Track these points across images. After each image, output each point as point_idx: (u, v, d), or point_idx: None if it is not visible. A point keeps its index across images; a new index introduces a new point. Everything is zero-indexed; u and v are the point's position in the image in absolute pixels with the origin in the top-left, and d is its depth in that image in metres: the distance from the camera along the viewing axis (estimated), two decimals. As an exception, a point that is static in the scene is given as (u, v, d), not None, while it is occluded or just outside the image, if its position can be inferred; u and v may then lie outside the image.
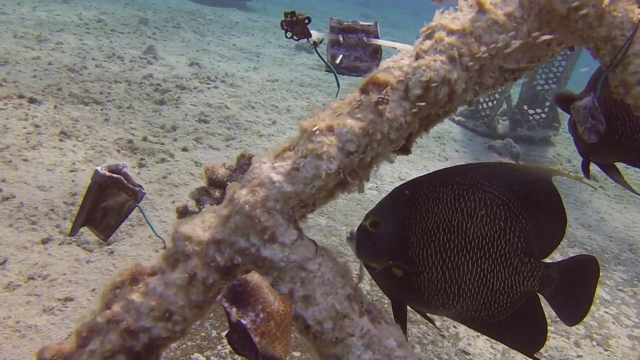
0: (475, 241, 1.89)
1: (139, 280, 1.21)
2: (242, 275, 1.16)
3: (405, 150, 2.34)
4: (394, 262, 1.97)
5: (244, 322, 0.96)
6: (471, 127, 10.09)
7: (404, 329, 2.21)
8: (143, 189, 1.43)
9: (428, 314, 2.32)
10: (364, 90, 1.27)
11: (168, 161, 6.27)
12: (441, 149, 8.98)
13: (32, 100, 6.86)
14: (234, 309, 0.97)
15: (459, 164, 6.80)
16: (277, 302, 1.02)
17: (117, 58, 9.40)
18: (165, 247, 1.34)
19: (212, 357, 3.67)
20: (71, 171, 5.59)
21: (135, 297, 1.18)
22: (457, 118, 10.38)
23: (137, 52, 9.93)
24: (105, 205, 1.35)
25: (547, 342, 2.07)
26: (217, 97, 8.57)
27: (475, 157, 8.97)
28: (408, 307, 2.02)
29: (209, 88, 8.97)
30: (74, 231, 1.40)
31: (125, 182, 1.38)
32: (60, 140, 6.15)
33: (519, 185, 1.87)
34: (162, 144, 6.65)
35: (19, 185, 5.10)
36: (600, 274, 2.01)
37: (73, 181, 5.38)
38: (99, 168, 1.34)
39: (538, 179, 1.91)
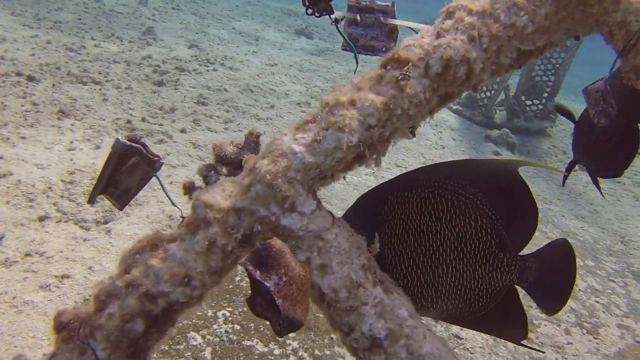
0: (446, 243, 1.85)
1: (158, 246, 1.24)
2: (261, 243, 1.18)
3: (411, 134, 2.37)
4: None
5: (267, 284, 0.98)
6: (468, 116, 10.13)
7: None
8: (161, 159, 1.45)
9: None
10: (386, 67, 1.29)
11: (166, 142, 6.28)
12: (438, 137, 9.01)
13: (30, 78, 6.84)
14: (258, 272, 1.00)
15: (455, 152, 6.84)
16: (298, 267, 1.05)
17: (116, 38, 9.36)
18: (182, 217, 1.36)
19: (208, 336, 3.70)
20: (69, 150, 5.59)
21: (155, 262, 1.20)
22: (454, 107, 10.41)
23: (136, 33, 9.89)
24: (123, 174, 1.38)
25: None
26: (216, 79, 8.56)
27: (472, 146, 9.01)
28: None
29: (208, 70, 8.95)
30: (92, 199, 1.42)
31: (145, 151, 1.40)
32: (59, 119, 6.14)
33: (484, 181, 1.83)
34: (161, 124, 6.65)
35: (17, 163, 5.10)
36: (576, 255, 2.00)
37: (71, 160, 5.38)
38: (119, 137, 1.36)
39: (504, 172, 1.88)
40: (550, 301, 2.01)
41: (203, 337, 3.69)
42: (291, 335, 3.89)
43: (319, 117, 1.29)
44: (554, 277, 1.97)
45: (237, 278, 4.25)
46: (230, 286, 4.16)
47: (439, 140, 8.90)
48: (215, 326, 3.80)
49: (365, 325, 1.23)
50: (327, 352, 3.82)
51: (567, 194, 8.21)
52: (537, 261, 1.93)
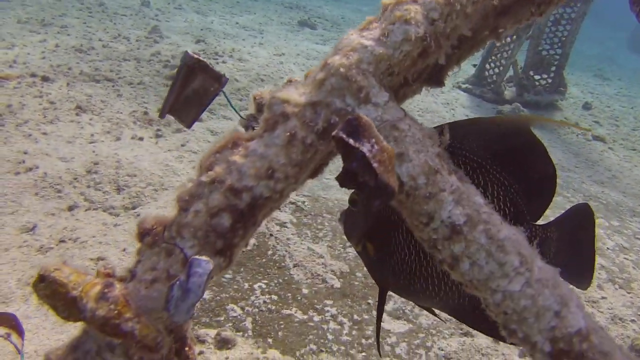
0: None
1: (238, 144, 1.26)
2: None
3: (438, 82, 2.39)
4: (363, 238, 1.86)
5: (363, 149, 1.01)
6: (478, 94, 10.13)
7: (379, 320, 2.04)
8: (226, 75, 1.48)
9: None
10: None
11: (185, 131, 6.31)
12: (450, 114, 9.03)
13: (44, 79, 6.89)
14: (351, 140, 1.02)
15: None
16: (385, 143, 1.07)
17: (123, 38, 9.41)
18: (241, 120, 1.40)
19: (247, 307, 3.73)
20: (90, 142, 5.63)
21: (237, 158, 1.23)
22: (464, 85, 10.41)
23: (142, 33, 9.94)
24: (190, 90, 1.40)
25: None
26: (226, 71, 8.59)
27: (485, 121, 9.00)
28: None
29: (217, 63, 8.99)
30: (163, 113, 1.45)
31: (210, 66, 1.43)
32: (77, 114, 6.19)
33: (496, 142, 1.62)
34: (177, 115, 6.70)
35: (41, 157, 5.15)
36: (596, 219, 1.72)
37: (93, 152, 5.42)
38: (188, 50, 1.39)
39: (516, 131, 1.65)
40: (577, 273, 1.82)
41: (242, 308, 3.73)
42: (328, 302, 3.91)
43: (381, 17, 1.32)
44: (576, 246, 1.81)
45: (270, 252, 4.28)
46: (264, 260, 4.19)
47: (451, 117, 8.91)
48: (252, 298, 3.83)
49: (445, 212, 1.25)
50: (366, 317, 3.84)
51: (584, 162, 8.22)
52: (557, 230, 1.76)
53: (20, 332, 1.60)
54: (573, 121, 10.07)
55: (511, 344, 1.79)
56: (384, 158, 1.03)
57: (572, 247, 1.80)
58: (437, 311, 2.07)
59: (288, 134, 1.22)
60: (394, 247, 1.79)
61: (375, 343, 2.06)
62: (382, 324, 3.76)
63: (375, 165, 1.01)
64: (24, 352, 1.53)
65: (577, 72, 14.18)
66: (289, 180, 1.25)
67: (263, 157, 1.22)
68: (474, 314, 1.74)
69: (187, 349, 2.94)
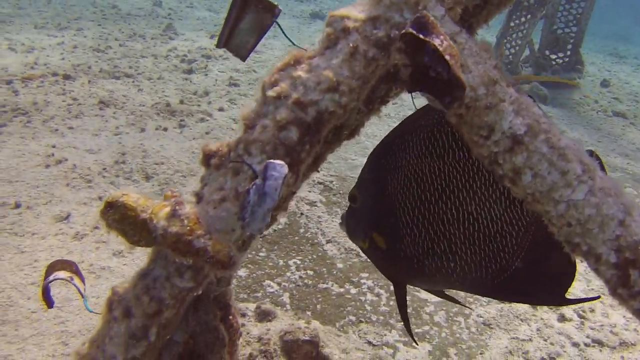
0: (453, 183, 1.62)
1: (301, 62, 1.28)
2: (396, 52, 1.22)
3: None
4: (372, 231, 1.81)
5: (435, 41, 1.02)
6: (496, 75, 10.07)
7: (405, 315, 1.95)
8: (279, 6, 1.49)
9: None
10: None
11: (207, 120, 6.35)
12: (470, 95, 9.00)
13: (66, 77, 6.96)
14: (421, 35, 1.03)
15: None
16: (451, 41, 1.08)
17: (138, 37, 9.48)
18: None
19: (284, 283, 3.75)
20: (116, 135, 5.68)
21: (301, 73, 1.24)
22: (480, 68, 10.36)
23: (156, 31, 10.01)
24: (246, 21, 1.42)
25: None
26: (243, 63, 8.62)
27: (505, 100, 8.97)
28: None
29: (233, 56, 9.03)
30: (220, 43, 1.47)
31: (262, -1, 1.44)
32: (100, 109, 6.24)
33: None
34: (199, 105, 6.74)
35: (69, 150, 5.20)
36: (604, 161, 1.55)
37: (119, 143, 5.47)
38: (241, -18, 1.40)
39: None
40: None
41: (279, 284, 3.75)
42: (364, 275, 3.92)
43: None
44: None
45: (302, 230, 4.30)
46: (296, 238, 4.21)
47: (471, 97, 8.88)
48: (288, 274, 3.85)
49: (505, 122, 1.26)
50: (401, 287, 3.84)
51: (607, 136, 8.17)
52: None
53: (81, 278, 1.63)
54: (592, 98, 10.00)
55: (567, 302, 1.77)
56: (454, 53, 1.03)
57: None
58: (455, 296, 2.01)
59: (350, 47, 1.23)
60: (403, 230, 1.73)
61: (409, 334, 2.00)
62: (418, 294, 3.77)
63: (447, 57, 1.01)
64: (85, 294, 1.55)
65: (592, 52, 14.08)
66: (353, 95, 1.26)
67: (328, 71, 1.23)
68: (495, 284, 1.69)
69: (231, 317, 2.96)
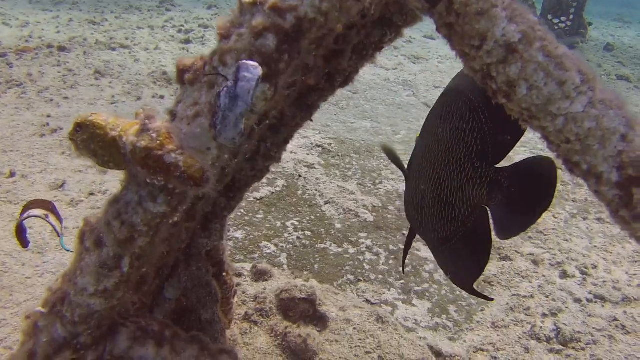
0: (439, 145, 1.70)
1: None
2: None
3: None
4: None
5: None
6: (498, 41, 9.94)
7: (405, 254, 2.13)
8: None
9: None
10: None
11: (204, 88, 6.26)
12: (471, 61, 8.89)
13: (61, 49, 6.88)
14: None
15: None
16: None
17: (134, 9, 9.37)
18: None
19: (281, 244, 3.69)
20: (112, 103, 5.61)
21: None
22: (482, 34, 10.23)
23: (153, 3, 9.90)
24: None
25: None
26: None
27: (507, 66, 8.86)
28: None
29: None
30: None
31: None
32: (96, 79, 6.16)
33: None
34: (196, 74, 6.66)
35: (64, 119, 5.13)
36: (559, 177, 1.65)
37: (115, 111, 5.39)
38: None
39: None
40: (508, 225, 1.72)
41: (276, 245, 3.68)
42: (362, 234, 3.86)
43: None
44: (525, 200, 1.68)
45: (300, 192, 4.23)
46: (294, 199, 4.14)
47: (472, 63, 8.77)
48: (286, 235, 3.79)
49: (498, 29, 1.17)
50: (402, 247, 3.78)
51: (611, 100, 8.06)
52: (510, 177, 1.65)
53: (58, 217, 1.56)
54: (595, 62, 9.86)
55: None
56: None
57: (519, 200, 1.67)
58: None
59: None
60: (409, 178, 1.88)
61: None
62: (418, 252, 3.70)
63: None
64: (62, 233, 1.47)
65: (596, 17, 13.87)
66: (333, 1, 1.17)
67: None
68: (438, 249, 1.80)
69: (225, 274, 2.89)
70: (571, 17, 10.02)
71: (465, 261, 1.77)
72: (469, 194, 1.67)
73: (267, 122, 2.14)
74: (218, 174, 1.22)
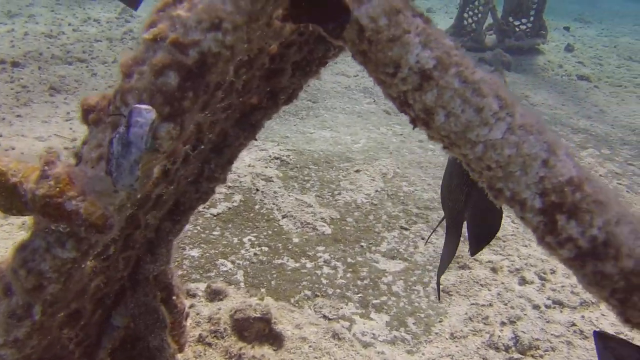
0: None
1: (183, 0, 1.14)
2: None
3: None
4: None
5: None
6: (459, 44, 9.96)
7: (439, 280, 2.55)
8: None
9: None
10: None
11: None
12: (432, 65, 8.90)
13: (14, 64, 6.73)
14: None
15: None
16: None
17: (93, 21, 9.23)
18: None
19: (238, 261, 3.64)
20: (67, 120, 5.50)
21: (181, 12, 1.10)
22: (443, 37, 10.25)
23: (112, 15, 9.75)
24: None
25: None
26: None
27: (468, 68, 8.89)
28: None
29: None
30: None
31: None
32: (51, 95, 6.04)
33: None
34: (153, 86, 6.57)
35: (17, 138, 5.02)
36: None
37: (71, 129, 5.29)
38: None
39: None
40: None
41: (233, 262, 3.63)
42: (320, 248, 3.82)
43: None
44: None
45: (257, 206, 4.17)
46: (251, 214, 4.08)
47: (433, 67, 8.78)
48: (243, 251, 3.73)
49: (412, 56, 1.14)
50: (360, 259, 3.75)
51: (570, 99, 8.13)
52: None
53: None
54: (556, 63, 9.95)
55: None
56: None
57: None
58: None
59: (233, -19, 1.10)
60: None
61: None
62: (376, 264, 3.68)
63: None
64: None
65: (557, 18, 14.01)
66: (239, 33, 1.12)
67: (209, 7, 1.10)
68: (450, 221, 2.22)
69: (174, 298, 2.83)
70: (531, 18, 10.09)
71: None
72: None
73: (203, 147, 2.10)
74: (123, 219, 1.17)
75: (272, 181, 4.55)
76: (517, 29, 10.08)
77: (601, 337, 1.40)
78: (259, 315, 2.95)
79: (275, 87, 2.37)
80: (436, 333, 3.23)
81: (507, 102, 1.17)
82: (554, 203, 1.18)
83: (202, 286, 3.26)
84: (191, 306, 3.10)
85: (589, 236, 1.19)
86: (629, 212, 1.25)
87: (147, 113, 0.99)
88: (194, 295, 3.21)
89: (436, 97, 1.16)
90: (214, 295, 3.21)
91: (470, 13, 9.90)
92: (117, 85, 1.13)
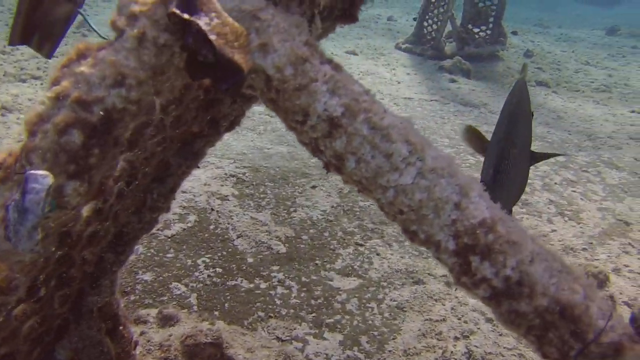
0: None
1: (87, 55, 1.13)
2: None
3: (351, 17, 2.27)
4: None
5: (199, 21, 0.89)
6: (419, 52, 10.06)
7: None
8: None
9: None
10: None
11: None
12: (392, 74, 8.96)
13: (-34, 84, 6.62)
14: (186, 14, 0.90)
15: (411, 85, 6.86)
16: (232, 20, 0.95)
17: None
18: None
19: (191, 284, 3.60)
20: (19, 141, 5.40)
21: (84, 69, 1.09)
22: (403, 46, 10.34)
23: (68, 31, 9.64)
24: (43, 14, 1.27)
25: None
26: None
27: (427, 78, 8.96)
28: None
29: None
30: (12, 40, 1.31)
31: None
32: (2, 115, 5.94)
33: None
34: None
35: (-33, 161, 4.91)
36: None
37: (23, 149, 5.20)
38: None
39: None
40: None
41: (186, 285, 3.59)
42: (274, 267, 3.81)
43: None
44: None
45: (212, 226, 4.15)
46: (206, 235, 4.06)
47: (393, 77, 8.84)
48: (197, 273, 3.70)
49: (320, 104, 1.14)
50: (314, 277, 3.75)
51: (528, 107, 8.22)
52: None
53: None
54: (516, 69, 10.08)
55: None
56: (226, 31, 0.91)
57: None
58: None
59: (137, 35, 1.09)
60: None
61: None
62: (331, 282, 3.68)
63: (212, 37, 0.89)
64: None
65: (517, 24, 14.22)
66: (144, 88, 1.12)
67: (112, 63, 1.09)
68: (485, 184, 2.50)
69: (121, 327, 2.80)
70: (491, 25, 10.21)
71: None
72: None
73: (137, 182, 2.08)
74: (33, 278, 1.16)
75: (228, 200, 4.52)
76: (477, 36, 10.18)
77: None
78: (210, 340, 2.93)
79: (215, 115, 2.36)
80: (389, 351, 3.23)
81: (416, 146, 1.18)
82: (467, 245, 1.19)
83: (153, 312, 3.23)
84: (142, 333, 3.07)
85: (503, 276, 1.20)
86: (545, 250, 1.27)
87: (42, 179, 0.97)
88: (145, 322, 3.18)
89: (345, 144, 1.16)
90: (166, 320, 3.18)
91: (430, 21, 9.98)
92: (23, 144, 1.12)
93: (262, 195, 4.66)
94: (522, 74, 3.12)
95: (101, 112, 1.09)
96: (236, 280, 3.66)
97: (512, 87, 2.95)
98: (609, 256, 4.45)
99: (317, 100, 1.14)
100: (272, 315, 3.40)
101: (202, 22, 0.89)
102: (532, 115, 2.94)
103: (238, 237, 4.08)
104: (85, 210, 1.81)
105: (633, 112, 8.45)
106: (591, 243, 4.58)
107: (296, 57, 1.12)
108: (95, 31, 1.35)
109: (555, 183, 5.53)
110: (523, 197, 5.24)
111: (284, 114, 1.17)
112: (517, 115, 2.74)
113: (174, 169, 2.43)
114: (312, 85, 1.14)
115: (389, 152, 1.16)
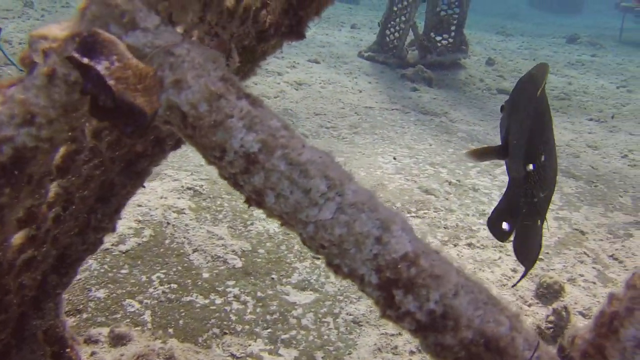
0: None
1: (-5, 94, 1.11)
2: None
3: (298, 34, 2.27)
4: None
5: (98, 66, 0.88)
6: (382, 61, 10.11)
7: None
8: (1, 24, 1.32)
9: None
10: None
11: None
12: (354, 83, 8.99)
13: None
14: (86, 59, 0.89)
15: (373, 94, 6.89)
16: (138, 61, 0.95)
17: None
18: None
19: (145, 300, 3.57)
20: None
21: (-9, 108, 1.08)
22: (366, 54, 10.39)
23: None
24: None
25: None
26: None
27: (389, 86, 9.01)
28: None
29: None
30: None
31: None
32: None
33: None
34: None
35: None
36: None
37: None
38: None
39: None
40: None
41: (140, 302, 3.56)
42: (230, 282, 3.79)
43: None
44: None
45: (167, 241, 4.12)
46: (161, 250, 4.02)
47: (354, 85, 8.87)
48: (151, 290, 3.67)
49: (236, 140, 1.14)
50: (270, 292, 3.74)
51: (489, 115, 8.32)
52: None
53: None
54: (478, 77, 10.19)
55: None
56: (127, 75, 0.90)
57: None
58: None
59: (47, 72, 1.07)
60: None
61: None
62: (287, 297, 3.67)
63: (111, 82, 0.88)
64: None
65: (479, 32, 14.38)
66: (55, 126, 1.10)
67: (21, 102, 1.07)
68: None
69: (68, 350, 2.76)
70: (452, 33, 10.31)
71: None
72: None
73: (74, 206, 2.05)
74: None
75: (184, 213, 4.50)
76: (439, 44, 10.27)
77: None
78: (162, 359, 2.91)
79: (158, 135, 2.35)
80: (344, 366, 3.24)
81: (335, 182, 1.18)
82: (390, 279, 1.19)
83: (104, 331, 3.19)
84: (92, 354, 3.04)
85: (427, 310, 1.20)
86: (471, 282, 1.28)
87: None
88: (96, 342, 3.14)
89: (264, 180, 1.16)
90: (118, 340, 3.14)
91: (392, 30, 10.05)
92: None
93: (219, 208, 4.64)
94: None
95: (11, 151, 1.07)
96: (191, 296, 3.63)
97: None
98: (564, 266, 4.51)
99: (233, 137, 1.14)
100: (227, 331, 3.38)
101: (102, 66, 0.88)
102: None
103: (194, 251, 4.05)
104: (17, 238, 1.78)
105: (591, 120, 8.59)
106: (547, 253, 4.64)
107: (210, 93, 1.12)
108: (13, 63, 1.32)
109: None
110: (480, 207, 5.31)
111: (202, 150, 1.17)
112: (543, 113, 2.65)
113: (118, 189, 2.41)
114: (227, 122, 1.13)
115: (307, 188, 1.16)
